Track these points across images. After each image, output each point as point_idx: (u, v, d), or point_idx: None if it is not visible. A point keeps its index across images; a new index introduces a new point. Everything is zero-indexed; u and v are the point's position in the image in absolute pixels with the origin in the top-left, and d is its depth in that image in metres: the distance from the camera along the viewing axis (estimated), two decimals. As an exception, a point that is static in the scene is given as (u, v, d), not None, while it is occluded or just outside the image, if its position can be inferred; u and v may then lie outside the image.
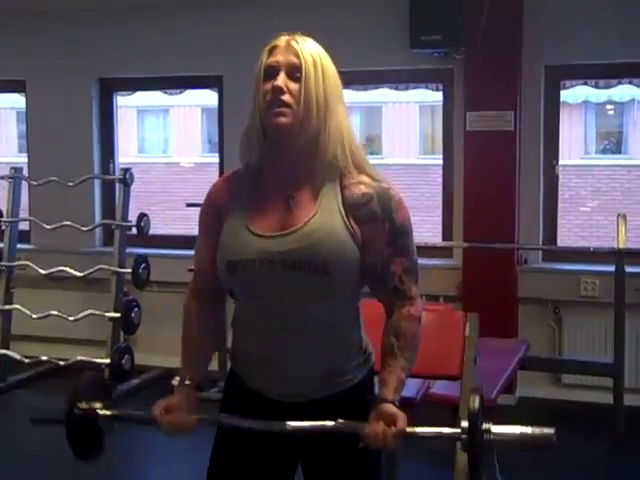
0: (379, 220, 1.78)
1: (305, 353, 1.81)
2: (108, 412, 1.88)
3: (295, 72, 1.74)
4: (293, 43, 1.76)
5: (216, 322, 1.95)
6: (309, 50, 1.76)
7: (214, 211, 1.88)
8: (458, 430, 1.74)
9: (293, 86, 1.73)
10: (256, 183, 1.84)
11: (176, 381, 1.91)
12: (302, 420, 1.82)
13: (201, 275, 1.94)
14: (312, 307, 1.79)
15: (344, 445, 1.82)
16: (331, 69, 1.79)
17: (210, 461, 1.96)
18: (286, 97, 1.73)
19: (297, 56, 1.74)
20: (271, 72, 1.75)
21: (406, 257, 1.82)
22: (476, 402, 1.74)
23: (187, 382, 1.89)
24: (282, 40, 1.78)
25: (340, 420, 1.76)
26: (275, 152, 1.81)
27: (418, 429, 1.75)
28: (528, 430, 1.74)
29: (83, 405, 1.86)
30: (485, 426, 1.74)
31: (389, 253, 1.79)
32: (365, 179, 1.80)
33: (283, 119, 1.73)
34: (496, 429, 1.75)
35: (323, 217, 1.76)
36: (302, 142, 1.76)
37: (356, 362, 1.88)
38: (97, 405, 1.87)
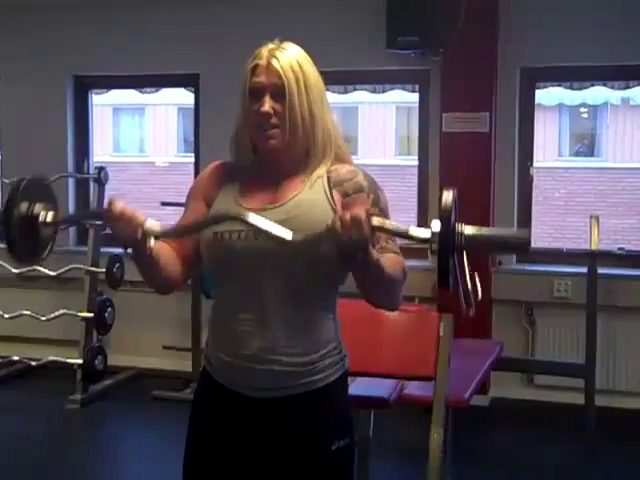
0: (364, 191, 1.86)
1: (278, 345, 1.81)
2: (50, 216, 1.77)
3: (279, 93, 1.80)
4: (274, 62, 1.80)
5: (173, 265, 1.88)
6: (289, 65, 1.81)
7: (205, 190, 1.92)
8: (428, 230, 1.58)
9: (278, 107, 1.81)
10: (247, 176, 1.90)
11: None
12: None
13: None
14: (290, 290, 1.80)
15: (317, 460, 1.84)
16: (313, 76, 1.85)
17: (183, 471, 1.95)
18: (274, 120, 1.81)
19: (279, 77, 1.80)
20: (256, 93, 1.82)
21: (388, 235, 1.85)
22: (449, 198, 1.55)
23: None
24: (263, 58, 1.82)
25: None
26: (265, 160, 1.89)
27: (387, 224, 1.62)
28: (501, 230, 1.65)
29: (24, 208, 1.76)
30: (458, 227, 1.56)
31: None
32: (348, 165, 1.91)
33: (273, 142, 1.82)
34: (469, 229, 1.58)
35: (308, 194, 1.84)
36: (290, 154, 1.84)
37: (329, 361, 1.87)
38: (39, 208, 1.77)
